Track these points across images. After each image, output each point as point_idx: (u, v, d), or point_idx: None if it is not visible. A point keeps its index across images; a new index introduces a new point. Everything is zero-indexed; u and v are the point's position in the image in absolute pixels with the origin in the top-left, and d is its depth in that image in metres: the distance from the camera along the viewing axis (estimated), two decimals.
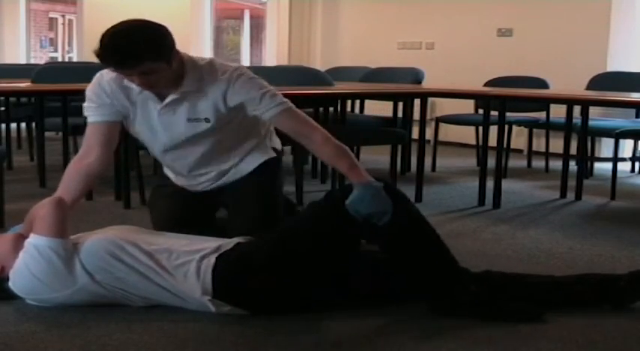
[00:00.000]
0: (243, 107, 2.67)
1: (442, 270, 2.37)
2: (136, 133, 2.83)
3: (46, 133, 4.65)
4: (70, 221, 2.37)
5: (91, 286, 2.28)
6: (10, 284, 2.34)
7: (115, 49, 2.40)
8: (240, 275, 2.29)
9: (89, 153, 2.68)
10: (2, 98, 5.15)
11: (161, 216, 2.92)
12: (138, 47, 2.40)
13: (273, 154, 2.96)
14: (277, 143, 3.04)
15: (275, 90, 2.71)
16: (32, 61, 11.69)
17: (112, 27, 2.48)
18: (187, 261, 2.30)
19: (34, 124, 5.52)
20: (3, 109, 5.30)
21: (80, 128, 4.43)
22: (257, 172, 2.88)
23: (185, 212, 2.88)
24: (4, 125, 5.28)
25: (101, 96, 2.68)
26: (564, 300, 2.40)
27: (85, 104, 2.74)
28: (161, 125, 2.71)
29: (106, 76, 2.69)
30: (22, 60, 11.10)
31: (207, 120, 2.68)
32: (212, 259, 2.30)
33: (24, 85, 4.54)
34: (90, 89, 2.72)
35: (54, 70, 5.36)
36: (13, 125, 6.10)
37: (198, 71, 2.63)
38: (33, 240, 2.29)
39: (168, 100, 2.63)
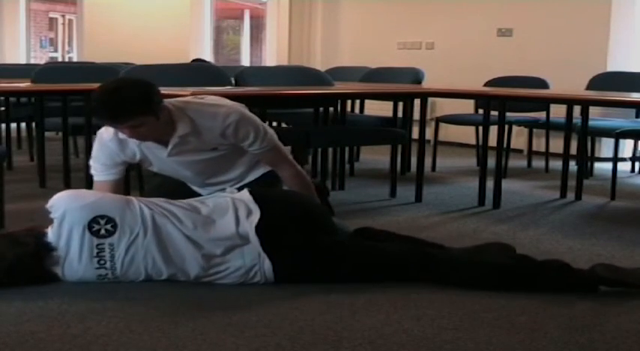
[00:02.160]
0: (239, 142, 2.89)
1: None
2: (159, 171, 3.05)
3: (46, 133, 4.65)
4: None
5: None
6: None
7: (109, 105, 2.59)
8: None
9: None
10: (2, 98, 5.15)
11: (154, 185, 3.18)
12: (129, 103, 2.58)
13: None
14: None
15: (266, 129, 2.93)
16: (32, 61, 11.69)
17: (104, 85, 2.66)
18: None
19: (34, 124, 5.52)
20: (3, 109, 5.30)
21: (80, 128, 4.46)
22: (258, 182, 3.05)
23: (177, 187, 3.08)
24: (4, 125, 5.28)
25: (111, 155, 2.86)
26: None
27: (92, 163, 2.91)
28: (176, 164, 2.90)
29: (105, 135, 2.85)
30: (22, 60, 11.10)
31: (214, 149, 2.88)
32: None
33: (24, 85, 4.54)
34: (97, 150, 2.88)
35: (54, 70, 5.37)
36: (13, 125, 6.10)
37: (186, 114, 2.78)
38: None
39: (170, 146, 2.80)
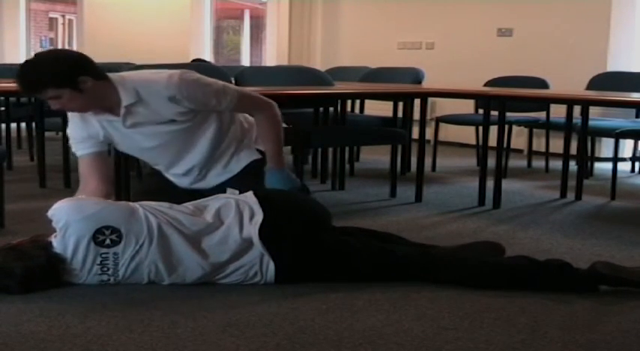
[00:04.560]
0: (202, 106, 2.84)
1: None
2: (126, 151, 3.07)
3: (46, 133, 4.65)
4: None
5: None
6: None
7: (23, 78, 2.70)
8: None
9: (86, 186, 2.88)
10: (2, 98, 5.15)
11: (143, 186, 3.24)
12: (40, 77, 2.67)
13: (258, 156, 3.06)
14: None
15: (222, 83, 2.89)
16: None
17: (29, 58, 2.78)
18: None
19: (34, 124, 5.52)
20: (3, 109, 5.30)
21: None
22: (243, 173, 3.00)
23: (165, 185, 3.07)
24: (4, 125, 5.28)
25: (80, 129, 2.90)
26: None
27: (70, 141, 2.97)
28: (139, 137, 2.88)
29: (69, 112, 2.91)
30: (22, 60, 11.03)
31: (172, 121, 2.84)
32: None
33: None
34: (69, 126, 2.95)
35: None
36: (13, 125, 6.10)
37: (128, 84, 2.79)
38: None
39: (121, 117, 2.82)
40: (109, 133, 2.89)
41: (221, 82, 2.90)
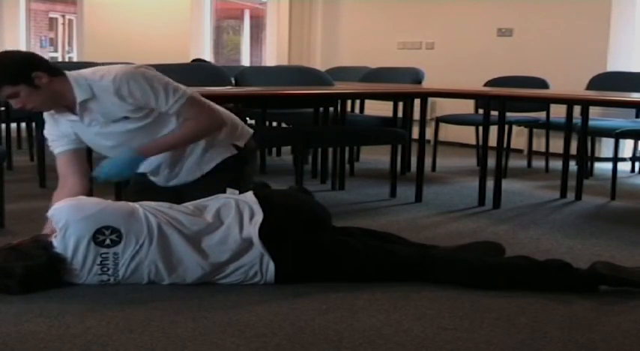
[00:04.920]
0: (142, 104, 2.79)
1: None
2: (97, 150, 3.02)
3: None
4: None
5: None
6: None
7: None
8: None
9: (65, 183, 2.88)
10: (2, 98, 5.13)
11: (131, 187, 3.16)
12: None
13: (234, 152, 3.00)
14: (242, 138, 3.07)
15: (172, 83, 2.83)
16: None
17: None
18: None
19: (34, 124, 5.52)
20: (3, 109, 5.30)
21: None
22: (216, 171, 2.97)
23: (150, 184, 3.05)
24: (4, 125, 5.28)
25: (51, 129, 2.93)
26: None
27: (48, 142, 2.97)
28: (101, 137, 2.88)
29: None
30: None
31: (126, 118, 2.82)
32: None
33: None
34: (45, 127, 2.96)
35: None
36: (13, 125, 6.10)
37: (82, 80, 2.78)
38: None
39: (79, 115, 2.81)
40: (77, 132, 2.90)
41: (174, 85, 2.82)
